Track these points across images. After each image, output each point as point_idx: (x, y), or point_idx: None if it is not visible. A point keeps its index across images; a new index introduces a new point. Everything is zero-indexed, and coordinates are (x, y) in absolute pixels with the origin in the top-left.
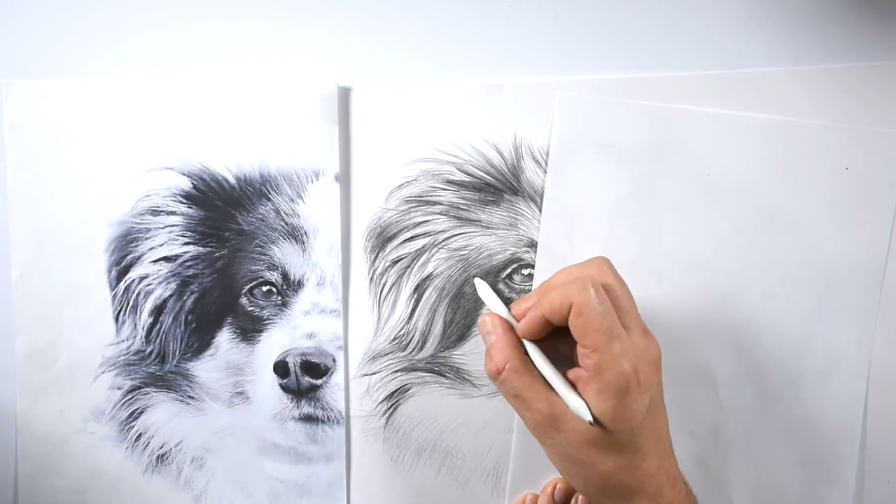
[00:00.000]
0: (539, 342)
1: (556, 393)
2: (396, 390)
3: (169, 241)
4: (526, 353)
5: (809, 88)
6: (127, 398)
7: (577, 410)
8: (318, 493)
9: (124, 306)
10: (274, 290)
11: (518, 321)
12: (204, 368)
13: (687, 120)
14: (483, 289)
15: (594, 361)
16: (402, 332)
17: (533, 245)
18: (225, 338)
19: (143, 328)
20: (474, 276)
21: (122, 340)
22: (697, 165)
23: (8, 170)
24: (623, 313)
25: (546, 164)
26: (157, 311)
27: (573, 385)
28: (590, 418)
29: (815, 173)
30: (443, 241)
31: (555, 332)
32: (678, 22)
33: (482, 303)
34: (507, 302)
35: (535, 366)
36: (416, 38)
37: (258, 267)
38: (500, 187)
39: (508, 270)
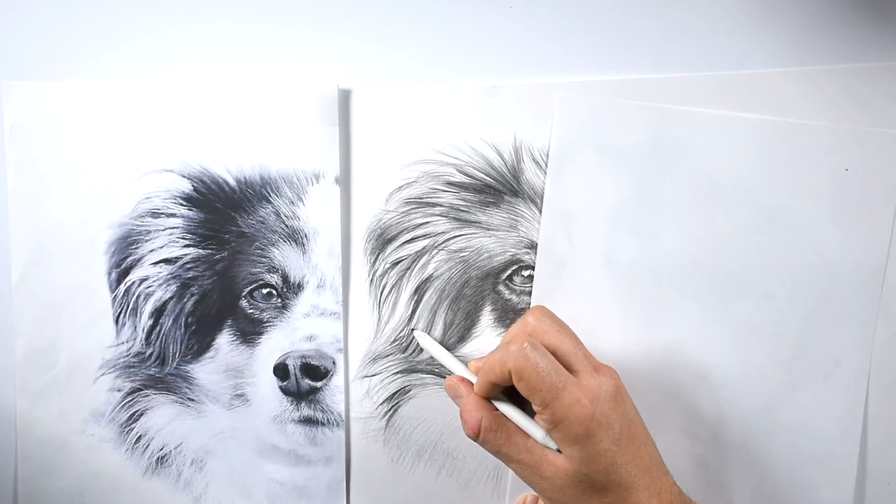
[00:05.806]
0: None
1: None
2: (397, 392)
3: (169, 243)
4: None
5: (809, 89)
6: (127, 400)
7: (543, 441)
8: (317, 495)
9: (124, 308)
10: (274, 292)
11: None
12: (204, 371)
13: (687, 121)
14: (433, 346)
15: (548, 417)
16: (402, 334)
17: (533, 246)
18: (225, 340)
19: (143, 330)
20: (413, 331)
21: (122, 342)
22: (697, 167)
23: (8, 171)
24: (568, 359)
25: (546, 166)
26: (157, 313)
27: None
28: (555, 446)
29: (815, 174)
30: (443, 242)
31: None
32: (678, 23)
33: (482, 304)
34: (506, 303)
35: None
36: (416, 40)
37: (258, 269)
38: (501, 189)
39: (509, 272)
